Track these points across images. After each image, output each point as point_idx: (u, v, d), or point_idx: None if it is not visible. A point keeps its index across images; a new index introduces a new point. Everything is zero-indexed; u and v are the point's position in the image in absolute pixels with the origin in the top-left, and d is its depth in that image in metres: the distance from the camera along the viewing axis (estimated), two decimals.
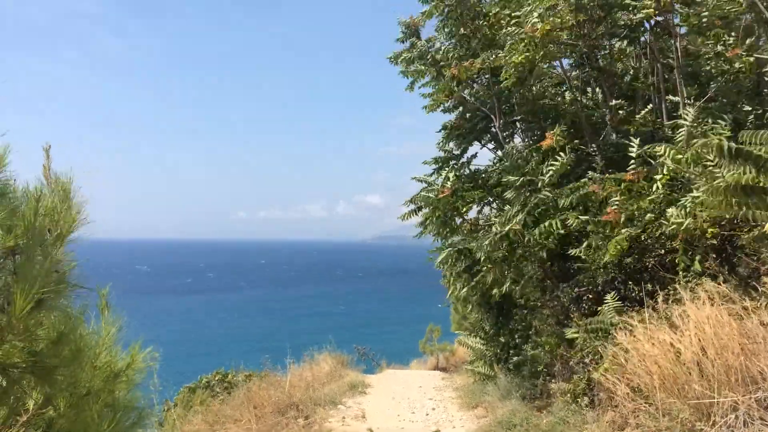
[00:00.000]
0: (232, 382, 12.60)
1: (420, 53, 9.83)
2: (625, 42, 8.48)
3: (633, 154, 6.91)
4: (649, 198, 6.46)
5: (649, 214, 6.38)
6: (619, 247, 6.44)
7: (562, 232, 7.44)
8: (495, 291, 8.63)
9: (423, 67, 9.71)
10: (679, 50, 7.31)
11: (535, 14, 7.66)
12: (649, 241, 6.65)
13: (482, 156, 33.75)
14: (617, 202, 6.67)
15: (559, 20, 7.43)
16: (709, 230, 5.55)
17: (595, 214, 7.19)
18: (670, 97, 7.68)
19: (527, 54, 7.82)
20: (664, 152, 6.29)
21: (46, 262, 2.03)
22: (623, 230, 6.49)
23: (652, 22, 7.91)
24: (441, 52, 9.71)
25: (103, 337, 2.38)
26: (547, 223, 7.47)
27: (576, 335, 7.00)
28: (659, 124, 7.71)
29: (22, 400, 2.10)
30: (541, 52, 7.80)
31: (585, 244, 7.12)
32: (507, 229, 7.79)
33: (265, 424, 8.22)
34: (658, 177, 6.45)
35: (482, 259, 8.37)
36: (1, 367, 1.95)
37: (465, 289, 9.33)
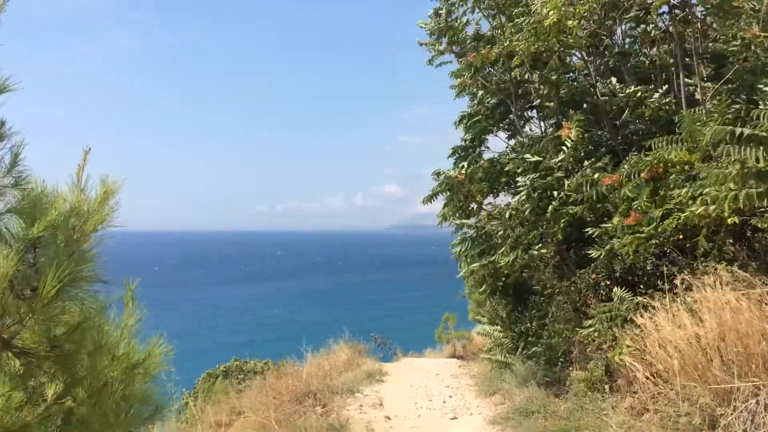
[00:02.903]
0: (250, 370, 12.73)
1: (441, 30, 9.83)
2: (645, 25, 8.39)
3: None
4: (671, 195, 6.36)
5: (668, 217, 6.28)
6: (644, 246, 6.40)
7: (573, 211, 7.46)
8: (504, 260, 8.59)
9: (444, 46, 9.71)
10: (697, 32, 7.19)
11: (547, 4, 7.57)
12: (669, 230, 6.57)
13: (498, 144, 33.52)
14: (640, 206, 6.53)
15: (572, 9, 7.31)
16: (730, 219, 5.45)
17: (607, 210, 7.12)
18: (687, 80, 7.57)
19: (537, 44, 7.79)
20: (668, 150, 6.27)
21: (68, 254, 2.07)
22: (645, 230, 6.39)
23: (670, 3, 7.78)
24: (467, 34, 9.70)
25: (123, 328, 2.40)
26: (552, 207, 7.55)
27: (593, 321, 6.96)
28: (676, 108, 7.60)
29: (41, 389, 2.14)
30: (553, 40, 7.73)
31: (608, 247, 7.00)
32: (519, 206, 7.86)
33: (283, 412, 8.27)
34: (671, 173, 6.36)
35: (498, 241, 8.48)
36: (20, 351, 1.98)
37: (477, 264, 9.30)
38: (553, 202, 7.74)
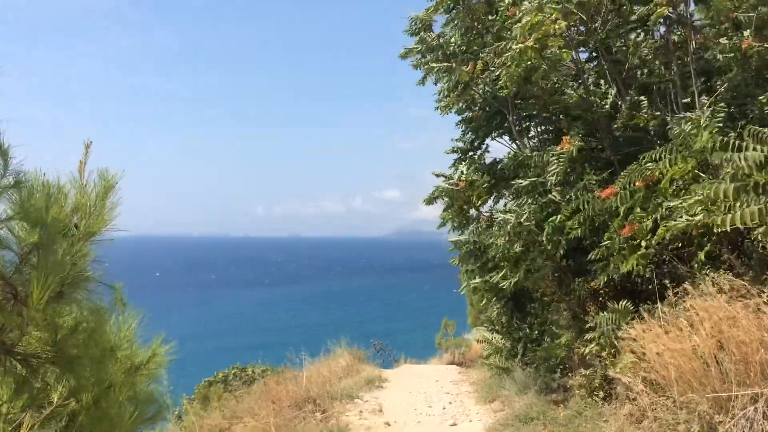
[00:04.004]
0: (249, 377, 12.74)
1: (429, 47, 9.78)
2: (641, 35, 8.40)
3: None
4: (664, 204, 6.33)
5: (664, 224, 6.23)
6: (641, 261, 6.36)
7: (569, 236, 7.31)
8: (506, 283, 8.47)
9: (434, 63, 9.65)
10: (692, 43, 7.22)
11: (525, 20, 7.52)
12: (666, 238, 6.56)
13: (498, 148, 33.67)
14: (637, 215, 6.47)
15: (554, 26, 7.29)
16: (719, 228, 5.48)
17: (605, 222, 7.07)
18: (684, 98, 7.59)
19: (521, 68, 7.77)
20: (660, 161, 6.28)
21: (66, 256, 2.07)
22: (643, 243, 6.37)
23: (666, 15, 7.82)
24: (450, 47, 9.65)
25: (124, 330, 2.42)
26: (555, 220, 7.43)
27: (594, 334, 6.96)
28: (670, 118, 7.61)
29: (47, 392, 2.15)
30: (537, 59, 7.70)
31: (609, 269, 6.90)
32: (520, 221, 7.70)
33: (283, 418, 8.28)
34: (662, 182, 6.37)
35: (496, 257, 8.37)
36: (22, 357, 2.00)
37: (478, 280, 9.28)
38: (550, 223, 7.58)
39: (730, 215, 5.00)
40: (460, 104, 9.95)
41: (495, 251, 8.29)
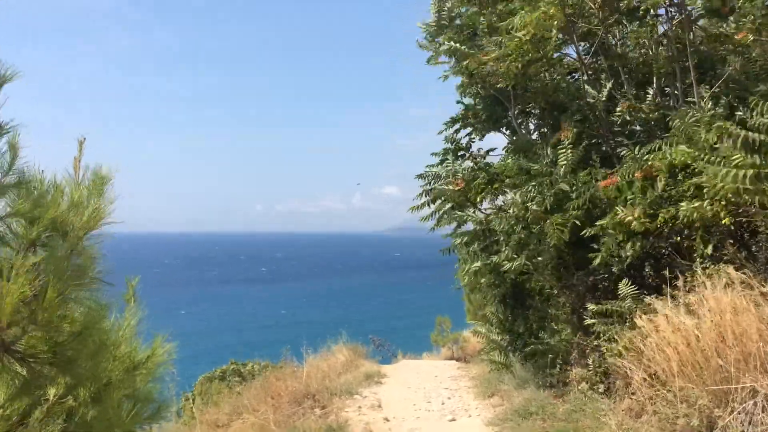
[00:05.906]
0: (248, 372, 12.73)
1: (440, 26, 9.76)
2: (637, 25, 8.38)
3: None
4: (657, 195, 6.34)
5: (663, 211, 6.23)
6: (636, 246, 6.38)
7: (577, 222, 7.27)
8: (509, 265, 8.39)
9: (445, 40, 9.61)
10: (689, 34, 7.21)
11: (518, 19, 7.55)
12: (665, 229, 6.57)
13: (496, 144, 33.61)
14: (633, 200, 6.48)
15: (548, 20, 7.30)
16: (725, 219, 5.48)
17: (604, 211, 7.06)
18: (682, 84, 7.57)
19: (517, 62, 7.78)
20: (660, 152, 6.29)
21: (69, 255, 2.07)
22: (635, 223, 6.39)
23: (665, 6, 7.80)
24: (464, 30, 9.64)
25: (124, 328, 2.41)
26: (564, 214, 7.35)
27: (592, 321, 6.97)
28: (669, 111, 7.59)
29: (43, 389, 2.13)
30: (533, 52, 7.71)
31: (603, 249, 6.91)
32: (527, 205, 7.65)
33: (282, 413, 8.28)
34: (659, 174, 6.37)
35: (500, 239, 8.33)
36: (22, 357, 1.98)
37: (479, 264, 9.21)
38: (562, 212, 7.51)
39: (732, 172, 5.03)
40: (474, 89, 9.94)
41: (500, 229, 8.24)
